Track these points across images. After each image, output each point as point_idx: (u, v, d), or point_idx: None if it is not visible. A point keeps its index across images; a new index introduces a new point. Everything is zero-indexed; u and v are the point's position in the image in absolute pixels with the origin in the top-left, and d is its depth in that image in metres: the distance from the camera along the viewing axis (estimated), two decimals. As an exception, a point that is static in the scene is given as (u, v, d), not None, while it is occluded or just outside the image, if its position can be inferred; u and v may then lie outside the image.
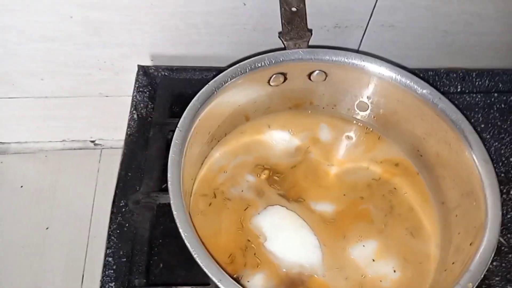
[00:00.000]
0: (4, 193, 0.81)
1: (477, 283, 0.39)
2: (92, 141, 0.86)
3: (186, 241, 0.37)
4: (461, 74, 0.67)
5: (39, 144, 0.85)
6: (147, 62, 0.68)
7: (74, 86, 0.73)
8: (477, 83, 0.67)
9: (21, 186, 0.82)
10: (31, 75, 0.69)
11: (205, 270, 0.36)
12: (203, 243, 0.38)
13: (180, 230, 0.38)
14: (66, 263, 0.76)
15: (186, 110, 0.44)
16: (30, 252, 0.77)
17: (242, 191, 0.52)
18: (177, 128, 0.43)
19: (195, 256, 0.36)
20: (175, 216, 0.38)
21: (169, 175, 0.40)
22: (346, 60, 0.50)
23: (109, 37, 0.64)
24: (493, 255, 0.41)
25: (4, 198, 0.80)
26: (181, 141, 0.43)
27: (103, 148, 0.87)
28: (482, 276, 0.39)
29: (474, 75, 0.67)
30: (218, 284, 0.36)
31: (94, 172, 0.84)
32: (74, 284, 0.75)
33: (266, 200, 0.51)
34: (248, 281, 0.45)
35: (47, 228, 0.79)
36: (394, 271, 0.48)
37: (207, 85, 0.46)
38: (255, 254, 0.47)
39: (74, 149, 0.86)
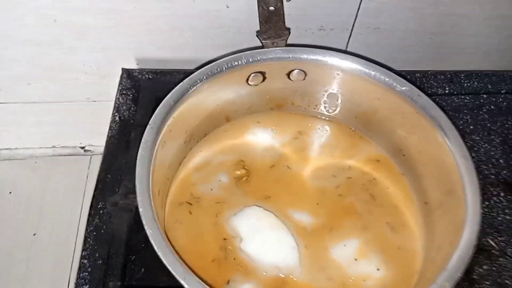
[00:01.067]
0: (-7, 199, 0.81)
1: (454, 283, 0.37)
2: (82, 147, 0.86)
3: (150, 238, 0.36)
4: (449, 75, 0.66)
5: (29, 150, 0.86)
6: (133, 66, 0.68)
7: (61, 91, 0.73)
8: (465, 84, 0.66)
9: (10, 192, 0.81)
10: (18, 80, 0.69)
11: (169, 268, 0.35)
12: (177, 252, 0.37)
13: (146, 227, 0.37)
14: (53, 269, 0.76)
15: (159, 107, 0.44)
16: (17, 258, 0.76)
17: (218, 191, 0.51)
18: (148, 125, 0.43)
19: (158, 253, 0.35)
20: (141, 213, 0.38)
21: (137, 171, 0.40)
22: (323, 58, 0.49)
23: (94, 41, 0.64)
24: (472, 253, 0.39)
25: (-7, 204, 0.80)
26: (152, 138, 0.42)
27: (93, 154, 0.87)
28: (460, 275, 0.38)
29: (462, 77, 0.66)
30: (183, 283, 0.35)
31: (83, 178, 0.84)
32: (60, 290, 0.74)
33: (243, 201, 0.50)
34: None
35: (34, 234, 0.78)
36: (378, 270, 0.46)
37: (181, 82, 0.46)
38: (234, 258, 0.46)
39: (64, 155, 0.86)
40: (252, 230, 0.47)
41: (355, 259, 0.47)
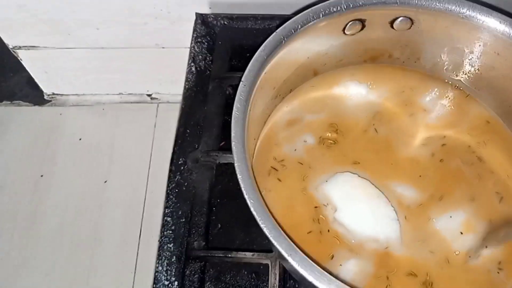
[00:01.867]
0: (64, 146, 0.81)
1: None
2: (149, 95, 0.84)
3: (252, 209, 0.33)
4: None
5: (96, 96, 0.85)
6: (206, 10, 0.63)
7: (129, 37, 0.69)
8: None
9: (80, 139, 0.82)
10: (86, 24, 0.67)
11: (274, 242, 0.32)
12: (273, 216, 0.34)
13: (246, 197, 0.34)
14: (124, 216, 0.77)
15: (251, 61, 0.39)
16: (89, 204, 0.78)
17: (301, 153, 0.47)
18: (241, 82, 0.38)
19: (262, 227, 0.33)
20: (240, 180, 0.34)
21: (232, 134, 0.36)
22: (438, 5, 0.42)
23: (165, -18, 0.59)
24: None
25: (64, 150, 0.81)
26: (246, 97, 0.38)
27: (160, 103, 0.84)
28: None
29: None
30: (288, 258, 0.32)
31: (151, 127, 0.83)
32: (131, 237, 0.75)
33: (330, 166, 0.46)
34: (340, 265, 0.41)
35: (105, 182, 0.79)
36: (486, 247, 0.42)
37: (274, 33, 0.41)
38: (329, 230, 0.43)
39: (131, 102, 0.85)
40: (347, 199, 0.43)
41: (461, 233, 0.42)
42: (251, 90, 0.39)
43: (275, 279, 0.44)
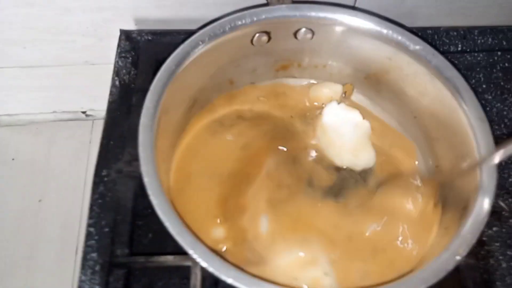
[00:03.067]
0: (-4, 166, 0.80)
1: (467, 249, 0.37)
2: (83, 112, 0.85)
3: (156, 208, 0.35)
4: (462, 32, 0.63)
5: (30, 116, 0.84)
6: (132, 27, 0.65)
7: (58, 54, 0.70)
8: (479, 41, 0.63)
9: (13, 159, 0.81)
10: (13, 43, 0.67)
11: (177, 238, 0.34)
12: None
13: (151, 198, 0.36)
14: (60, 234, 0.76)
15: (159, 72, 0.42)
16: (24, 224, 0.76)
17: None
18: (149, 91, 0.41)
19: (165, 223, 0.35)
20: (145, 183, 0.36)
21: (139, 140, 0.38)
22: (333, 16, 0.46)
23: (89, 0, 0.61)
24: (487, 219, 0.38)
25: (-4, 171, 0.80)
26: (154, 104, 0.40)
27: (94, 119, 0.85)
28: (474, 241, 0.37)
29: (476, 33, 0.63)
30: (192, 254, 0.34)
31: (86, 143, 0.83)
32: (68, 254, 0.75)
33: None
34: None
35: (40, 201, 0.78)
36: None
37: (182, 45, 0.43)
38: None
39: (66, 120, 0.85)
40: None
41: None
42: (160, 98, 0.41)
43: (196, 279, 0.46)
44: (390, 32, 0.45)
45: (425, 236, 0.44)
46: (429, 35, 0.62)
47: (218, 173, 0.48)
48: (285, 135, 0.51)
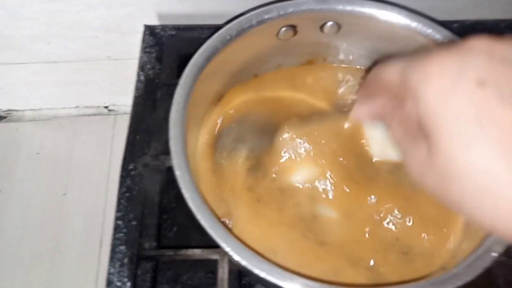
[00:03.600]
0: (21, 161, 0.81)
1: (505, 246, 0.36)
2: (106, 107, 0.85)
3: (188, 202, 0.35)
4: (488, 25, 0.62)
5: (53, 111, 0.85)
6: (154, 22, 0.65)
7: (82, 50, 0.71)
8: (506, 34, 0.61)
9: (37, 153, 0.82)
10: (37, 39, 0.68)
11: (209, 232, 0.35)
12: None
13: (183, 191, 0.36)
14: (84, 228, 0.77)
15: (188, 66, 0.42)
16: (48, 218, 0.78)
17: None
18: (178, 85, 0.41)
19: (197, 216, 0.35)
20: (177, 176, 0.37)
21: (170, 134, 0.39)
22: (360, 9, 0.46)
23: (113, -4, 0.61)
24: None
25: (21, 165, 0.81)
26: (184, 99, 0.41)
27: (117, 114, 0.86)
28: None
29: (503, 26, 0.62)
30: (224, 247, 0.34)
31: (108, 138, 0.84)
32: (92, 248, 0.76)
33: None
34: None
35: (64, 194, 0.79)
36: None
37: (209, 39, 0.43)
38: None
39: (88, 115, 0.86)
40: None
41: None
42: (189, 92, 0.42)
43: (224, 273, 0.46)
44: (420, 25, 0.45)
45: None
46: (454, 29, 0.61)
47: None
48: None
